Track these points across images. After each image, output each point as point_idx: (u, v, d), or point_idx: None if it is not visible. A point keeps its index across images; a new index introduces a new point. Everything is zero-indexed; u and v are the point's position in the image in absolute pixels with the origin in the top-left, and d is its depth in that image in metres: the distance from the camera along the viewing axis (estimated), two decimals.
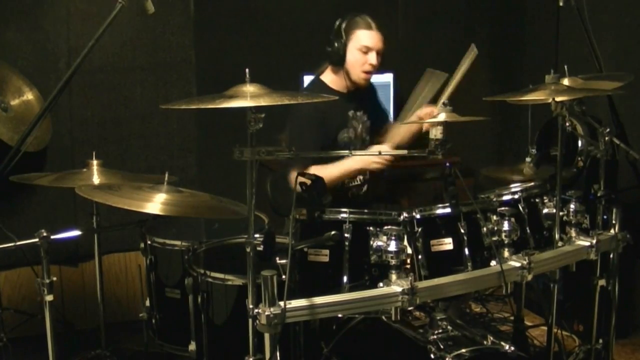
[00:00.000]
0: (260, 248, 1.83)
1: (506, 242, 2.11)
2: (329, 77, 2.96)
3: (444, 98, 2.67)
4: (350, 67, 2.87)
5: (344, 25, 2.84)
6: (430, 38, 4.23)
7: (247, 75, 1.87)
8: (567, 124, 2.26)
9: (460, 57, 2.74)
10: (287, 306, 1.73)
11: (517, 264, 2.03)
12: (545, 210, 2.28)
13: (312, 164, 2.72)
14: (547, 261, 2.13)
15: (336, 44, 2.84)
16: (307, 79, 3.74)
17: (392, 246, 1.95)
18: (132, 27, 3.58)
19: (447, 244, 2.11)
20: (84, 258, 3.54)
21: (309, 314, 1.80)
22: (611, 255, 2.40)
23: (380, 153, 2.67)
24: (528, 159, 2.55)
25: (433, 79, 2.89)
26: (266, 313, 1.71)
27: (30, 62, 3.40)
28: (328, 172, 2.61)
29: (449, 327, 2.30)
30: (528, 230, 2.23)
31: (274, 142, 2.86)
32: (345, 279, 2.05)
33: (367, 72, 2.88)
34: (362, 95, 3.01)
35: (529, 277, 2.03)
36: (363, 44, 2.83)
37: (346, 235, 2.05)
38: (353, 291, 1.96)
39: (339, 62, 2.87)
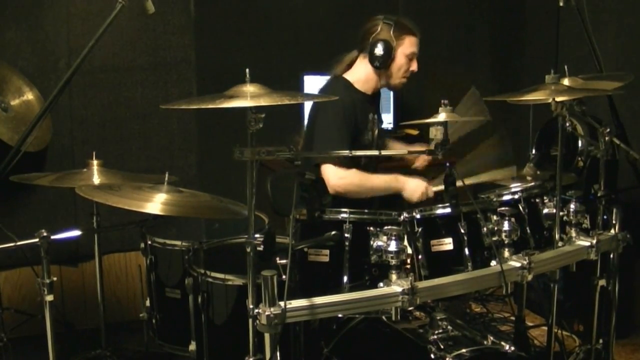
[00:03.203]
0: (260, 248, 1.83)
1: (506, 242, 2.10)
2: (354, 77, 2.84)
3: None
4: (395, 71, 2.80)
5: (392, 29, 2.76)
6: (430, 38, 4.23)
7: (247, 75, 1.87)
8: (567, 124, 2.26)
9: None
10: (287, 306, 1.73)
11: (517, 264, 2.02)
12: (545, 210, 2.28)
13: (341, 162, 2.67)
14: (547, 261, 2.12)
15: (385, 48, 2.73)
16: (307, 79, 3.75)
17: (392, 246, 1.94)
18: (132, 27, 3.58)
19: (447, 244, 2.10)
20: (84, 258, 3.54)
21: (309, 314, 1.80)
22: (611, 255, 2.40)
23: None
24: (530, 165, 2.55)
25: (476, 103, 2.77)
26: (266, 313, 1.71)
27: (30, 62, 3.40)
28: (374, 182, 2.67)
29: (449, 327, 2.29)
30: (528, 230, 2.22)
31: (289, 142, 2.82)
32: (345, 279, 2.05)
33: (407, 78, 2.85)
34: (376, 100, 2.98)
35: (529, 277, 2.03)
36: (413, 50, 2.79)
37: (346, 235, 2.05)
38: (353, 291, 1.96)
39: (383, 66, 2.77)
